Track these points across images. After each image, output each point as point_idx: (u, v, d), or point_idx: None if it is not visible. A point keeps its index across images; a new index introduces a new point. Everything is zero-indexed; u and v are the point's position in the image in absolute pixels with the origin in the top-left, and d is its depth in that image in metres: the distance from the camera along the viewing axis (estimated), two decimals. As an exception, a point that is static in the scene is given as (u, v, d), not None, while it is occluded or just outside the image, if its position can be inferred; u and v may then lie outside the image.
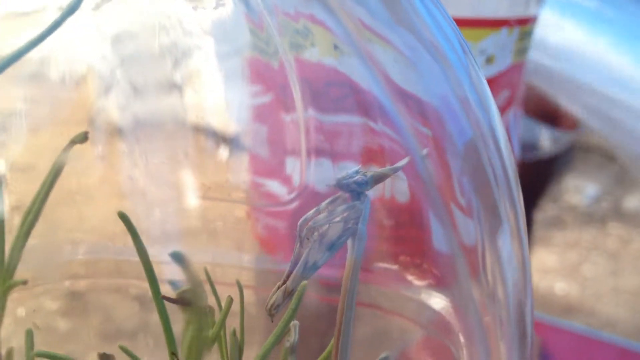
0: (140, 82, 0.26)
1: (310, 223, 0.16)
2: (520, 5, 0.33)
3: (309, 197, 0.25)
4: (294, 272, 0.15)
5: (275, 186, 0.27)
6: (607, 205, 1.78)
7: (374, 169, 0.17)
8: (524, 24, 0.33)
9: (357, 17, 0.22)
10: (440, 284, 0.26)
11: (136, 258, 0.26)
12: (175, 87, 0.26)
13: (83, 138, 0.16)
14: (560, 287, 1.48)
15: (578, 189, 1.82)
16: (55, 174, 0.15)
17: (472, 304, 0.25)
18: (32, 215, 0.15)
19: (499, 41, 0.32)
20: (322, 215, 0.16)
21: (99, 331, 0.27)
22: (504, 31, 0.32)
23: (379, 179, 0.17)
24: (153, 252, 0.26)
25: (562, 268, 1.55)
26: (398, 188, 0.23)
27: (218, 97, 0.27)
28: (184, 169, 0.26)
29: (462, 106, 0.21)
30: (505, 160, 0.21)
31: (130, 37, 0.25)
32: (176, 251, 0.14)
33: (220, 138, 0.26)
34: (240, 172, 0.28)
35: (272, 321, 0.16)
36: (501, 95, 0.35)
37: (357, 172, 0.17)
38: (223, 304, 0.18)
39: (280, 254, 0.28)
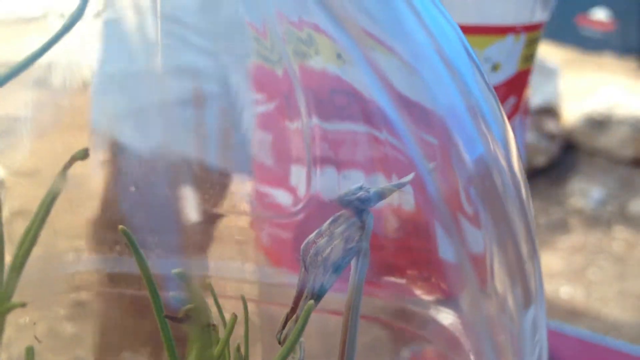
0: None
1: (312, 249, 0.15)
2: (527, 12, 0.32)
3: (315, 207, 0.25)
4: (302, 299, 0.15)
5: (280, 196, 0.27)
6: (613, 208, 1.78)
7: (377, 185, 0.17)
8: (531, 31, 0.33)
9: (360, 26, 0.22)
10: (447, 296, 0.26)
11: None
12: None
13: (84, 155, 0.15)
14: (566, 291, 1.48)
15: (583, 192, 1.81)
16: (56, 190, 0.15)
17: (481, 316, 0.25)
18: (27, 244, 0.15)
19: (505, 48, 0.32)
20: (324, 240, 0.16)
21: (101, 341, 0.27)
22: (510, 38, 0.32)
23: (382, 195, 0.17)
24: (155, 263, 0.26)
25: (567, 272, 1.54)
26: (403, 199, 0.23)
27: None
28: (187, 179, 0.25)
29: (470, 114, 0.20)
30: (515, 169, 0.21)
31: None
32: (180, 270, 0.14)
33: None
34: (245, 183, 0.28)
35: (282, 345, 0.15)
36: (507, 103, 0.35)
37: (360, 188, 0.16)
38: (227, 318, 0.17)
39: (284, 266, 0.28)
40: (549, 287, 1.46)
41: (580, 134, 1.96)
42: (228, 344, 0.17)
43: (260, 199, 0.28)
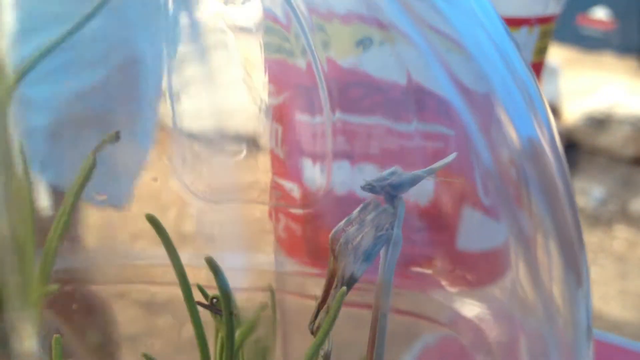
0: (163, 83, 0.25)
1: (341, 237, 0.15)
2: (541, 4, 0.32)
3: (334, 199, 0.25)
4: (332, 288, 0.15)
5: (297, 188, 0.27)
6: (614, 207, 1.78)
7: (406, 171, 0.16)
8: (544, 23, 0.33)
9: (416, 10, 0.22)
10: (472, 286, 0.26)
11: (142, 262, 0.26)
12: (196, 88, 0.25)
13: (115, 138, 0.15)
14: (567, 290, 1.47)
15: (584, 191, 1.81)
16: (86, 175, 0.15)
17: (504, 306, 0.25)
18: (65, 217, 0.15)
19: (519, 40, 0.32)
20: (354, 228, 0.15)
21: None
22: (524, 30, 0.32)
23: (414, 181, 0.16)
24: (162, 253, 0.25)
25: (568, 271, 1.54)
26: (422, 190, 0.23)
27: (240, 97, 0.26)
28: (201, 169, 0.25)
29: (522, 97, 0.20)
30: (560, 151, 0.20)
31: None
32: (210, 257, 0.14)
33: (242, 140, 0.26)
34: (265, 173, 0.28)
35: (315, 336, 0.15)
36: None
37: (392, 173, 0.16)
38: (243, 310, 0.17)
39: (299, 257, 0.27)
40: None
41: (580, 133, 1.96)
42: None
43: (278, 189, 0.27)
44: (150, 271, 0.26)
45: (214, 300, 0.16)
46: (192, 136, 0.25)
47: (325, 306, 0.15)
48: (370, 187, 0.16)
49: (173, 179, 0.24)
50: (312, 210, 0.25)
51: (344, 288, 0.14)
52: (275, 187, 0.27)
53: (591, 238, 1.67)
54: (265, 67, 0.25)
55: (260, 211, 0.27)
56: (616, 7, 2.04)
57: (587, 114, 1.97)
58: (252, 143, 0.26)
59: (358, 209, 0.16)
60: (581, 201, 1.79)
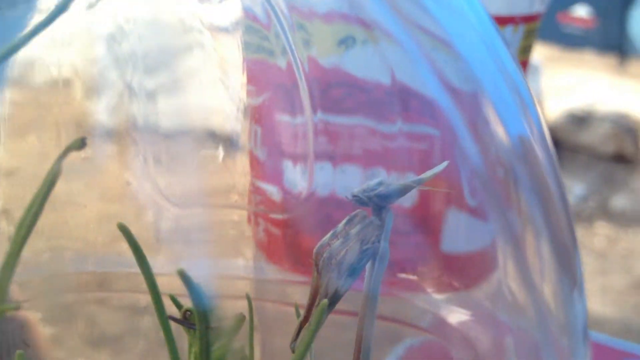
0: (134, 84, 0.25)
1: (325, 252, 0.14)
2: (526, 3, 0.32)
3: (315, 201, 0.24)
4: (315, 306, 0.14)
5: (277, 190, 0.26)
6: (594, 204, 1.79)
7: (394, 181, 0.16)
8: (529, 22, 0.32)
9: (405, 12, 0.21)
10: (452, 291, 0.25)
11: (124, 269, 0.25)
12: (170, 88, 0.25)
13: (80, 145, 0.14)
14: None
15: (565, 188, 1.82)
16: (49, 184, 0.14)
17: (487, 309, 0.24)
18: (24, 229, 0.14)
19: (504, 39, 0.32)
20: (338, 242, 0.15)
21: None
22: (509, 29, 0.32)
23: (403, 191, 0.15)
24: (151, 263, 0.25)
25: (549, 268, 1.55)
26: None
27: (217, 97, 0.26)
28: (179, 174, 0.24)
29: (512, 95, 0.20)
30: (550, 149, 0.20)
31: (126, 37, 0.24)
32: (182, 269, 0.13)
33: (220, 140, 0.25)
34: (244, 176, 0.27)
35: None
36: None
37: (379, 184, 0.15)
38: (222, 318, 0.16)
39: (280, 263, 0.27)
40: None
41: (561, 130, 1.97)
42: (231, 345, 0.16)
43: (258, 193, 0.27)
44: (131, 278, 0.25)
45: (188, 313, 0.15)
46: (168, 137, 0.24)
47: (308, 324, 0.14)
48: (357, 199, 0.15)
49: (148, 182, 0.23)
50: (293, 213, 0.25)
51: (325, 301, 0.14)
52: (255, 190, 0.26)
53: (572, 235, 1.68)
54: (243, 67, 0.25)
55: (239, 215, 0.26)
56: (597, 5, 2.05)
57: (568, 111, 1.98)
58: (229, 144, 0.25)
59: (343, 221, 0.15)
60: (562, 198, 1.79)
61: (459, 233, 0.27)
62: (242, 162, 0.26)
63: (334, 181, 0.25)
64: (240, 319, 0.16)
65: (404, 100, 0.24)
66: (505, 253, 0.22)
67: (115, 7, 0.24)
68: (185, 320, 0.15)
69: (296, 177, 0.25)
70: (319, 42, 0.24)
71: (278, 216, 0.25)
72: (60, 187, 0.21)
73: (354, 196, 0.15)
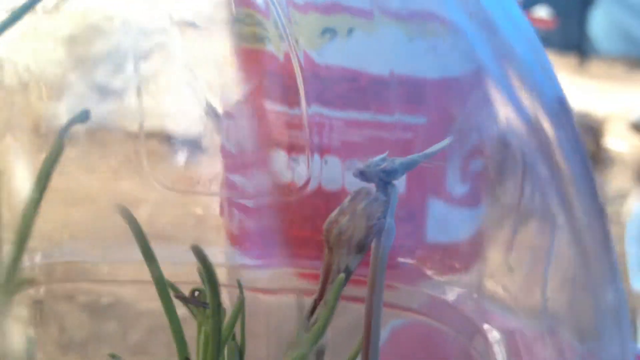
0: (94, 86, 0.25)
1: (335, 228, 0.15)
2: None
3: (306, 192, 0.24)
4: (329, 283, 0.14)
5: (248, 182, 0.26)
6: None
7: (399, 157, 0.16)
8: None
9: None
10: (438, 275, 0.26)
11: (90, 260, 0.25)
12: (131, 90, 0.24)
13: (85, 116, 0.14)
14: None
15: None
16: (55, 158, 0.14)
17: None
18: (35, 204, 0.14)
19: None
20: (345, 218, 0.15)
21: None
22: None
23: (409, 166, 0.16)
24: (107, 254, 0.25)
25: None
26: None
27: (180, 98, 0.26)
28: (141, 173, 0.24)
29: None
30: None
31: (87, 39, 0.24)
32: (197, 245, 0.13)
33: (179, 141, 0.25)
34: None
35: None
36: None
37: (383, 159, 0.15)
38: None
39: (253, 251, 0.27)
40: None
41: (525, 129, 2.00)
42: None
43: (232, 186, 0.27)
44: (94, 270, 0.25)
45: (195, 293, 0.15)
46: (132, 138, 0.24)
47: (323, 300, 0.14)
48: (361, 174, 0.15)
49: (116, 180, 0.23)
50: (286, 202, 0.25)
51: (342, 275, 0.14)
52: (228, 183, 0.27)
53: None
54: (234, 58, 0.25)
55: (208, 207, 0.26)
56: (557, 6, 2.09)
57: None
58: (195, 145, 0.26)
59: (349, 197, 0.15)
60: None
61: (444, 222, 0.27)
62: (207, 163, 0.26)
63: (320, 172, 0.25)
64: (241, 300, 0.16)
65: (391, 90, 0.24)
66: (497, 239, 0.22)
67: (79, 8, 0.24)
68: (195, 299, 0.15)
69: (287, 168, 0.25)
70: (303, 32, 0.25)
71: (253, 204, 0.25)
72: (17, 186, 0.21)
73: (360, 172, 0.15)
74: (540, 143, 0.19)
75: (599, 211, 0.18)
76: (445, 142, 0.16)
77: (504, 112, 0.21)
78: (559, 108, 0.19)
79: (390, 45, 0.24)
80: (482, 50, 0.20)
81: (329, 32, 0.24)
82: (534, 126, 0.20)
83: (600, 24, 1.41)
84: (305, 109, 0.23)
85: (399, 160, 0.15)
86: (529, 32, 0.21)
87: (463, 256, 0.26)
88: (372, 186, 0.15)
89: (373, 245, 0.15)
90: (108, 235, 0.25)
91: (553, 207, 0.20)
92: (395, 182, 0.16)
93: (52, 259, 0.24)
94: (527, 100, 0.20)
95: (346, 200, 0.15)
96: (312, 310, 0.14)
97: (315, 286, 0.17)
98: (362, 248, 0.15)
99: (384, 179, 0.15)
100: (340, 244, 0.14)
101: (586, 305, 0.19)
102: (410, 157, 0.16)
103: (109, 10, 0.24)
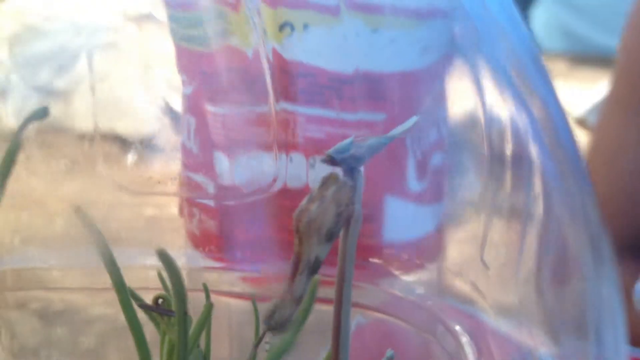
0: (41, 86, 0.24)
1: (304, 216, 0.14)
2: None
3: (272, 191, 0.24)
4: (299, 275, 0.14)
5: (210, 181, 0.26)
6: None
7: (366, 140, 0.15)
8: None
9: None
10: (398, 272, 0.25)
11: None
12: (78, 90, 0.24)
13: (43, 113, 0.13)
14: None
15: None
16: (11, 159, 0.13)
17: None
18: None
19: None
20: (315, 206, 0.14)
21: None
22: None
23: (376, 149, 0.15)
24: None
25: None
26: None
27: (134, 96, 0.25)
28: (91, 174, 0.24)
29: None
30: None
31: (32, 39, 0.24)
32: (162, 249, 0.12)
33: (129, 141, 0.24)
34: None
35: (274, 335, 0.14)
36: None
37: (350, 143, 0.15)
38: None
39: (214, 252, 0.26)
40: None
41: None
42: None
43: (192, 185, 0.26)
44: (46, 275, 0.24)
45: (159, 300, 0.14)
46: (82, 139, 0.24)
47: (291, 296, 0.13)
48: (329, 159, 0.14)
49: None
50: (239, 202, 0.24)
51: (318, 277, 0.13)
52: (188, 182, 0.26)
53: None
54: (177, 56, 0.24)
55: (166, 207, 0.26)
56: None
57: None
58: (147, 143, 0.25)
59: (319, 184, 0.15)
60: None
61: (402, 220, 0.27)
62: (165, 162, 0.25)
63: (286, 171, 0.25)
64: (209, 307, 0.15)
65: (352, 86, 0.24)
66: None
67: (22, 7, 0.23)
68: (159, 307, 0.14)
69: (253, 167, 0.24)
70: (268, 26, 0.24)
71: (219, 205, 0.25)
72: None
73: (327, 156, 0.14)
74: (514, 134, 0.19)
75: (579, 202, 0.18)
76: (412, 120, 0.16)
77: (473, 103, 0.20)
78: (530, 99, 0.19)
79: (349, 40, 0.24)
80: (452, 38, 0.20)
81: (287, 26, 0.23)
82: (507, 117, 0.20)
83: (541, 21, 1.44)
84: (274, 105, 0.22)
85: (366, 144, 0.15)
86: (504, 20, 0.21)
87: (424, 253, 0.26)
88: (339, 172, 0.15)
89: (341, 233, 0.15)
90: (59, 239, 0.24)
91: (527, 201, 0.19)
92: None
93: (3, 265, 0.23)
94: (496, 90, 0.20)
95: (315, 187, 0.15)
96: (279, 307, 0.14)
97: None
98: (331, 236, 0.14)
99: (351, 164, 0.15)
100: (310, 233, 0.14)
101: (564, 302, 0.19)
102: (375, 139, 0.15)
103: (52, 9, 0.24)
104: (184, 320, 0.13)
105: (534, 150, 0.19)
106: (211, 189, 0.24)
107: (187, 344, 0.13)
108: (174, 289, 0.13)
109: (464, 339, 0.22)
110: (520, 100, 0.19)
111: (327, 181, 0.14)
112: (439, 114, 0.25)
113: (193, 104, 0.26)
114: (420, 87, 0.24)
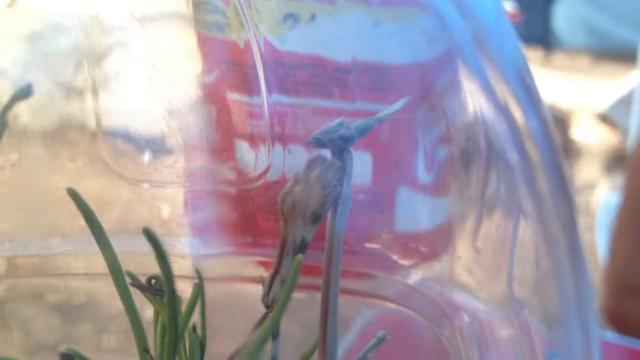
0: (56, 84, 0.24)
1: (289, 198, 0.14)
2: None
3: (267, 182, 0.24)
4: (285, 257, 0.14)
5: (224, 168, 0.26)
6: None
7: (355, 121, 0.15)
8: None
9: None
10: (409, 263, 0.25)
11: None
12: (93, 88, 0.24)
13: (27, 93, 0.14)
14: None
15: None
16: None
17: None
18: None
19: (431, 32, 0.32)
20: (300, 187, 0.14)
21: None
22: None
23: (365, 130, 0.15)
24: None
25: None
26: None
27: (140, 95, 0.25)
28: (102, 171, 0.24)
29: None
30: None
31: (49, 37, 0.24)
32: (148, 227, 0.13)
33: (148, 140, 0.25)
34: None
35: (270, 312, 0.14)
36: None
37: (339, 124, 0.15)
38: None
39: (217, 239, 0.26)
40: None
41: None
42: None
43: (193, 171, 0.26)
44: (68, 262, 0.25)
45: (152, 281, 0.14)
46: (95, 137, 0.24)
47: (279, 276, 0.14)
48: (317, 141, 0.14)
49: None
50: (245, 191, 0.24)
51: (300, 256, 0.13)
52: (191, 174, 0.26)
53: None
54: (199, 47, 0.24)
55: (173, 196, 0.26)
56: (521, 0, 2.12)
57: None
58: (156, 139, 0.25)
59: (304, 165, 0.15)
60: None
61: (413, 211, 0.27)
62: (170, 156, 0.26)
63: (282, 162, 0.25)
64: (198, 289, 0.16)
65: (354, 77, 0.24)
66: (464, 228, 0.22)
67: (39, 5, 0.24)
68: (151, 287, 0.14)
69: (248, 157, 0.25)
70: (265, 19, 0.24)
71: (231, 192, 0.25)
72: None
73: (314, 138, 0.14)
74: (511, 130, 0.19)
75: (567, 199, 0.18)
76: (400, 102, 0.16)
77: (475, 98, 0.20)
78: (530, 96, 0.19)
79: (354, 30, 0.24)
80: (455, 34, 0.20)
81: (291, 17, 0.23)
82: (504, 113, 0.20)
83: (563, 17, 1.43)
84: (266, 97, 0.22)
85: (354, 125, 0.15)
86: (503, 19, 0.21)
87: (432, 244, 0.26)
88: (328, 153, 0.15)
89: (329, 215, 0.15)
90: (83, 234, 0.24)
91: (520, 195, 0.19)
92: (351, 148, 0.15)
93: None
94: (498, 86, 0.20)
95: (301, 169, 0.15)
96: (269, 288, 0.14)
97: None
98: (317, 218, 0.14)
99: (340, 145, 0.15)
100: (294, 214, 0.14)
101: (552, 293, 0.19)
102: (364, 120, 0.15)
103: (67, 7, 0.24)
104: (173, 300, 0.13)
105: (510, 152, 0.19)
106: (212, 179, 0.25)
107: (178, 324, 0.14)
108: (162, 270, 0.13)
109: (471, 331, 0.22)
110: (498, 107, 0.19)
111: (313, 163, 0.14)
112: (448, 106, 0.25)
113: (214, 92, 0.26)
114: (428, 79, 0.24)
